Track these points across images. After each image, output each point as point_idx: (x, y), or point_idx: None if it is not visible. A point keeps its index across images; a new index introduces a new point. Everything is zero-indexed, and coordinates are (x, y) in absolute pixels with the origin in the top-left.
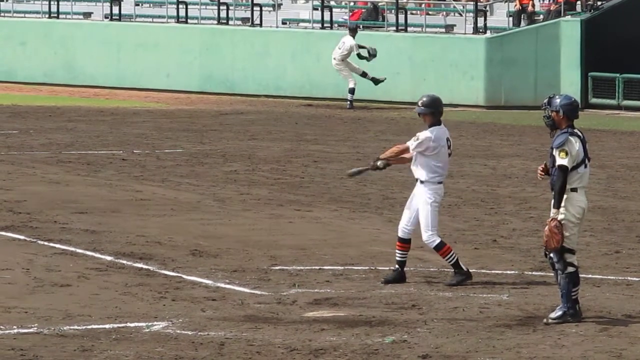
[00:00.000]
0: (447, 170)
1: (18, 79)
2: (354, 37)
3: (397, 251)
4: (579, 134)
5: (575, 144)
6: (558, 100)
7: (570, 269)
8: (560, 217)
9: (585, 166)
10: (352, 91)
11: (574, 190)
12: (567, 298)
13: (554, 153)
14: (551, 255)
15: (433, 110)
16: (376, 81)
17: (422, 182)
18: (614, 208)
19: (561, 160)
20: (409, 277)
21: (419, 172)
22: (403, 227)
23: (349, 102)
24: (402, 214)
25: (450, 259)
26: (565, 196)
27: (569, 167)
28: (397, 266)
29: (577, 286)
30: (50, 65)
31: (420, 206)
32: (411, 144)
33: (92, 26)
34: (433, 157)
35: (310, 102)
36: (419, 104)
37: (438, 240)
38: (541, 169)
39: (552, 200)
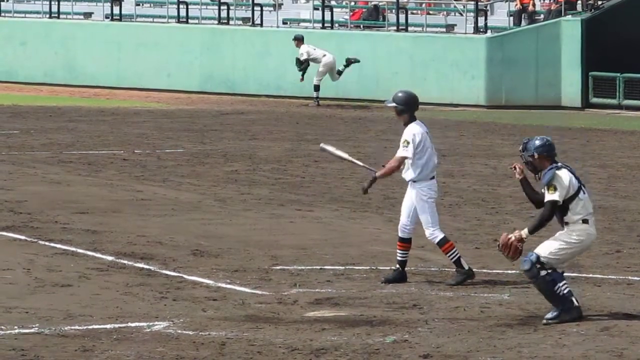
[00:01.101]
0: (435, 165)
1: (19, 79)
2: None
3: (398, 251)
4: (565, 165)
5: (564, 177)
6: (532, 143)
7: (543, 273)
8: (564, 238)
9: (584, 192)
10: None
11: (585, 221)
12: (553, 299)
13: (543, 190)
14: (525, 268)
15: (411, 109)
16: (349, 63)
17: (413, 181)
18: (614, 207)
19: (550, 196)
20: (410, 277)
21: (408, 173)
22: (403, 227)
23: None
24: (401, 212)
25: (453, 255)
26: (576, 226)
27: (560, 200)
28: (397, 266)
29: (561, 281)
30: (51, 65)
31: (417, 205)
32: (407, 152)
33: (92, 26)
34: (417, 154)
35: (310, 102)
36: (394, 101)
37: (441, 236)
38: (519, 167)
39: (530, 224)
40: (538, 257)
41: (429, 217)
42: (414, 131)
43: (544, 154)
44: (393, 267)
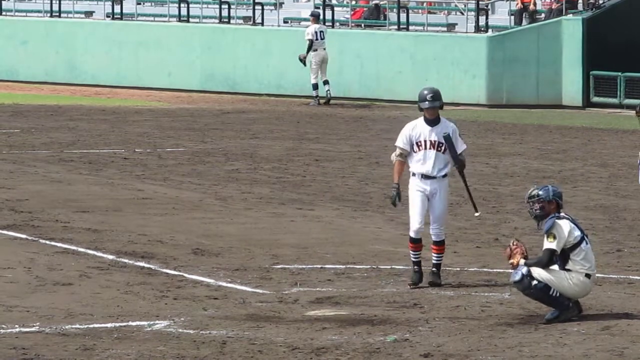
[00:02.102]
0: None
1: (20, 78)
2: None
3: (412, 253)
4: (567, 216)
5: (564, 226)
6: (551, 190)
7: (534, 283)
8: (560, 276)
9: (587, 243)
10: (316, 87)
11: (587, 276)
12: (550, 303)
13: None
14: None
15: (441, 102)
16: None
17: (444, 175)
18: (615, 207)
19: (549, 244)
20: (410, 276)
21: (441, 167)
22: (419, 228)
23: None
24: (414, 214)
25: (439, 259)
26: (578, 276)
27: (558, 250)
28: (416, 268)
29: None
30: (52, 64)
31: (442, 201)
32: (465, 146)
33: (93, 25)
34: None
35: (309, 101)
36: (430, 97)
37: (444, 237)
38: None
39: (531, 260)
40: (529, 269)
41: (445, 213)
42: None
43: (558, 200)
44: (415, 268)
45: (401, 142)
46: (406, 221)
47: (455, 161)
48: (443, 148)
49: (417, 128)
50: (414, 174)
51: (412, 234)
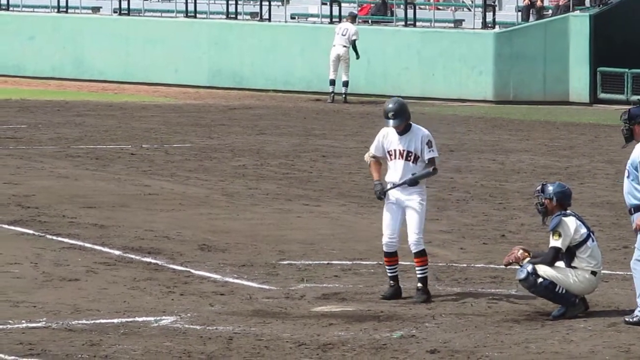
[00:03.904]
0: None
1: (27, 74)
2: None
3: (388, 267)
4: (573, 213)
5: (570, 224)
6: (551, 188)
7: (539, 280)
8: (566, 274)
9: (593, 240)
10: (347, 84)
11: (593, 273)
12: (556, 300)
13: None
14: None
15: (407, 116)
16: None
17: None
18: (622, 203)
19: (554, 242)
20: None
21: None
22: (390, 241)
23: (344, 96)
24: (384, 227)
25: (423, 272)
26: (584, 273)
27: (563, 248)
28: (392, 282)
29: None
30: (59, 59)
31: (416, 210)
32: (436, 153)
33: (100, 21)
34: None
35: (318, 97)
36: (391, 115)
37: (424, 247)
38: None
39: (536, 258)
40: (534, 267)
41: (423, 223)
42: (429, 132)
43: (560, 201)
44: (391, 283)
45: (374, 148)
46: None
47: (410, 182)
48: (412, 157)
49: (389, 136)
50: (387, 183)
51: (383, 248)
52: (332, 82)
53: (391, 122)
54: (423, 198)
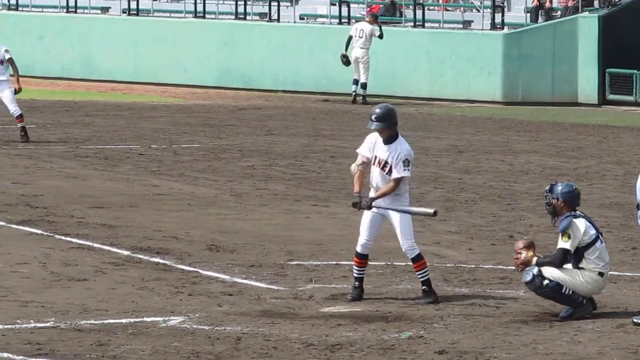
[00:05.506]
0: None
1: (36, 74)
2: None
3: (355, 268)
4: (583, 214)
5: (580, 226)
6: (560, 188)
7: (545, 282)
8: (573, 275)
9: (601, 242)
10: (365, 86)
11: (601, 274)
12: (563, 301)
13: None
14: (527, 280)
15: (390, 123)
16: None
17: (396, 194)
18: (630, 204)
19: (563, 243)
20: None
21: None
22: (366, 243)
23: (362, 97)
24: (361, 229)
25: (424, 275)
26: (591, 274)
27: (572, 250)
28: (357, 283)
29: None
30: (68, 59)
31: (399, 214)
32: (408, 172)
33: (109, 21)
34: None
35: (327, 98)
36: (374, 118)
37: (418, 251)
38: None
39: (543, 258)
40: (539, 269)
41: (410, 228)
42: (411, 150)
43: (568, 201)
44: (355, 284)
45: (366, 148)
46: (420, 218)
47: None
48: (387, 169)
49: (377, 142)
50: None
51: (357, 248)
52: (355, 82)
53: (373, 124)
54: (404, 202)
